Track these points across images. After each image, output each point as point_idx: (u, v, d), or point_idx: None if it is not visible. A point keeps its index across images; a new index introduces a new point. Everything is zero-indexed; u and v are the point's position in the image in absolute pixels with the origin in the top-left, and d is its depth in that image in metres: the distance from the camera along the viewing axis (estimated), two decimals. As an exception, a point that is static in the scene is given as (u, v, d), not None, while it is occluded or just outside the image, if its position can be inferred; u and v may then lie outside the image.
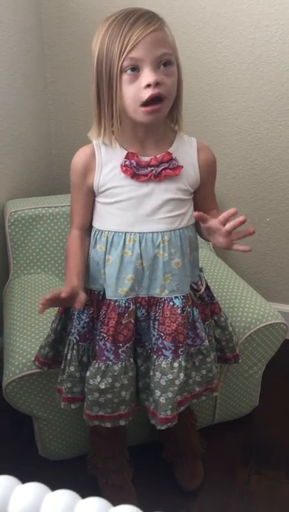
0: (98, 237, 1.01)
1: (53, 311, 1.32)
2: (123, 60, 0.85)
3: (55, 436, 1.29)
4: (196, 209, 1.02)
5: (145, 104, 0.87)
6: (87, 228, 1.04)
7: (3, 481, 0.36)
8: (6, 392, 1.16)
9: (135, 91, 0.87)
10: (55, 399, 1.21)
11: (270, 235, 1.78)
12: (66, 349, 1.07)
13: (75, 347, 1.05)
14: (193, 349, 1.05)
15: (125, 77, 0.87)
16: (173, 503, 1.24)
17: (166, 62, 0.87)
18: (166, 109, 0.91)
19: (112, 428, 1.11)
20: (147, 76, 0.85)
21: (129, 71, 0.86)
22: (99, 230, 1.01)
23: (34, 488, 0.36)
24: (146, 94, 0.86)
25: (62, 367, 1.08)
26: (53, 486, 0.38)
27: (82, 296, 0.92)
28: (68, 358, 1.06)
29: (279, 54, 1.54)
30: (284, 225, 1.75)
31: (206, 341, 1.06)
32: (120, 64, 0.85)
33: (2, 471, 0.41)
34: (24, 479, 0.39)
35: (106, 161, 0.97)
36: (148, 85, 0.85)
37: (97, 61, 0.89)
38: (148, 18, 0.86)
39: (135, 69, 0.86)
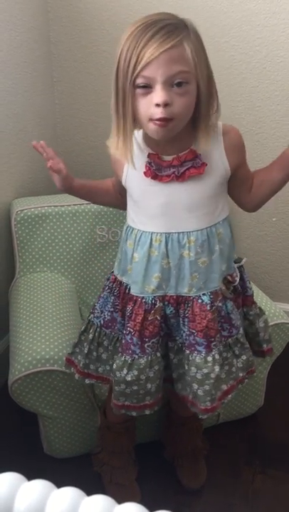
0: (129, 233, 1.03)
1: (60, 308, 1.32)
2: (135, 77, 0.84)
3: (60, 434, 1.30)
4: (235, 188, 1.03)
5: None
6: (115, 190, 1.09)
7: (10, 477, 0.36)
8: (12, 390, 1.17)
9: (147, 105, 0.86)
10: (61, 397, 1.22)
11: (276, 234, 1.78)
12: (86, 325, 1.11)
13: (98, 330, 1.09)
14: (231, 340, 1.06)
15: (138, 91, 0.86)
16: (177, 502, 1.24)
17: (180, 82, 0.84)
18: (176, 128, 0.88)
19: (123, 424, 1.15)
20: (157, 95, 0.84)
21: (141, 87, 0.85)
22: (130, 227, 1.03)
23: (40, 485, 0.36)
24: (156, 114, 0.85)
25: (77, 340, 1.12)
26: (58, 484, 0.38)
27: (61, 176, 1.12)
28: (90, 338, 1.09)
29: (286, 53, 1.53)
30: (290, 224, 1.75)
31: (242, 328, 1.08)
32: (133, 80, 0.84)
33: (7, 468, 0.42)
34: (29, 477, 0.39)
35: (134, 159, 0.96)
36: (157, 104, 0.84)
37: (116, 71, 0.88)
38: (166, 33, 0.82)
39: (147, 86, 0.85)
